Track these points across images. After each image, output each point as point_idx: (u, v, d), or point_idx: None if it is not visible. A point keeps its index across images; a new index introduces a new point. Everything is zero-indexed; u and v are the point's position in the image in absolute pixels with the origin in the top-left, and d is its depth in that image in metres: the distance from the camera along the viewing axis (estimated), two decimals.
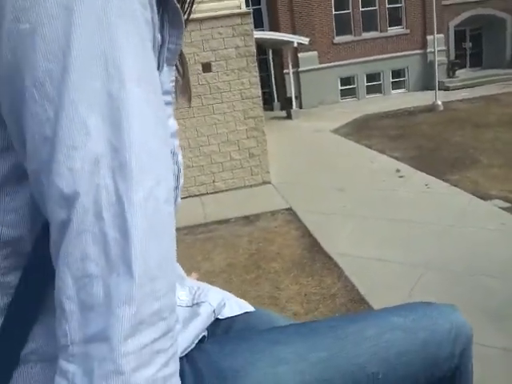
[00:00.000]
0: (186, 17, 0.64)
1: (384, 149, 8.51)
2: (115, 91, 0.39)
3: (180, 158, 0.60)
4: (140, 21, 0.42)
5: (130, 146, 0.39)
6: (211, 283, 0.88)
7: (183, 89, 0.74)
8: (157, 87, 0.44)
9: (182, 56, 0.68)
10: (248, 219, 5.43)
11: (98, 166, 0.38)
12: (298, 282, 3.78)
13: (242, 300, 0.93)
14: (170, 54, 0.54)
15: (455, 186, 5.98)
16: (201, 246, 4.72)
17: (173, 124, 0.58)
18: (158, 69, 0.51)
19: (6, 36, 0.40)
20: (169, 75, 0.56)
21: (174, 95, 0.60)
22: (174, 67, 0.58)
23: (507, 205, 5.13)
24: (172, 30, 0.53)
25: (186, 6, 0.64)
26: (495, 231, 4.48)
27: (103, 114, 0.39)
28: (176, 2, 0.52)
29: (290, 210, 5.62)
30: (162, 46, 0.52)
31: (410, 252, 4.17)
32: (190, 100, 0.76)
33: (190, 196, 6.33)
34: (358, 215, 5.26)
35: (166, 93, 0.54)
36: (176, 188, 0.57)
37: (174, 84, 0.59)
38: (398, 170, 6.94)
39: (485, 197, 5.47)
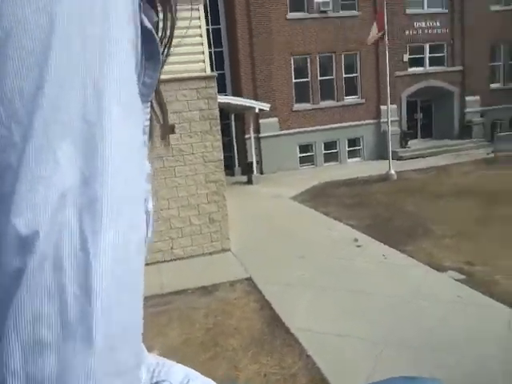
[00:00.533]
0: (165, 50, 0.57)
1: (341, 217, 8.67)
2: (93, 115, 0.34)
3: (150, 205, 0.53)
4: (126, 38, 0.38)
5: (103, 177, 0.33)
6: None
7: (161, 129, 0.67)
8: (139, 115, 0.39)
9: (158, 92, 0.62)
10: (206, 289, 5.28)
11: (64, 201, 0.32)
12: (257, 360, 3.65)
13: (209, 379, 0.81)
14: (146, 89, 0.48)
15: (411, 256, 6.09)
16: (155, 320, 4.51)
17: (147, 166, 0.51)
18: None
19: None
20: (144, 113, 0.49)
21: (148, 136, 0.54)
22: (149, 105, 0.52)
23: (462, 276, 5.24)
24: (147, 61, 0.47)
25: (163, 34, 0.57)
26: (451, 304, 4.54)
27: (76, 141, 0.33)
28: (152, 29, 0.47)
29: (249, 279, 5.52)
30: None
31: (370, 326, 4.14)
32: (167, 142, 0.69)
33: (146, 264, 6.09)
34: (317, 285, 5.23)
35: None
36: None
37: (148, 123, 0.53)
38: (355, 240, 7.03)
39: (440, 268, 5.59)
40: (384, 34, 12.71)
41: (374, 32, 12.98)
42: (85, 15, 0.35)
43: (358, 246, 6.73)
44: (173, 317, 4.55)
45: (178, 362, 0.79)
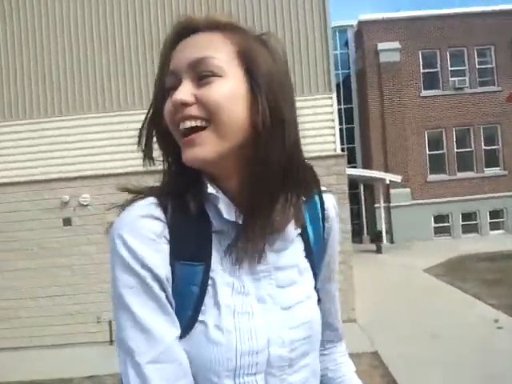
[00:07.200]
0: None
1: (481, 294, 7.99)
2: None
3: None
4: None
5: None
6: None
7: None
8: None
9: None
10: None
11: None
12: None
13: None
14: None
15: None
16: None
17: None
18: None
19: None
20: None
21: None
22: None
23: None
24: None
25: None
26: None
27: None
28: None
29: (375, 353, 5.35)
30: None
31: None
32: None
33: None
34: (450, 367, 4.87)
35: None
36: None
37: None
38: (496, 320, 6.42)
39: None
40: None
41: None
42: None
43: (499, 328, 6.14)
44: None
45: None
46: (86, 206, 6.65)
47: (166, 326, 0.70)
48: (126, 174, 5.99)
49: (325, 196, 0.89)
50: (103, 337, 6.46)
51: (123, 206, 0.75)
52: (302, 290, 0.83)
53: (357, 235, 16.81)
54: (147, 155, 0.80)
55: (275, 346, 0.76)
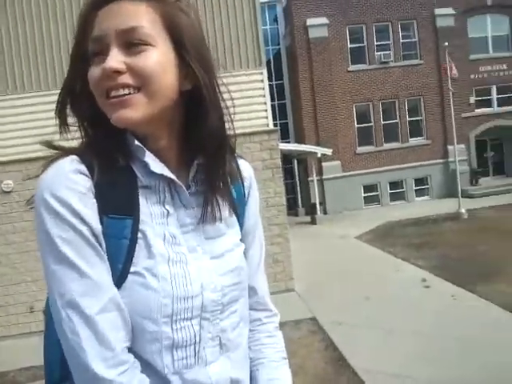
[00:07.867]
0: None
1: (409, 257, 8.51)
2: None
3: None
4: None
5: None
6: None
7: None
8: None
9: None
10: None
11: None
12: None
13: None
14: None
15: (482, 297, 5.86)
16: None
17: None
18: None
19: None
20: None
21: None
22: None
23: None
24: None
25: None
26: None
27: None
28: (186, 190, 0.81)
29: (314, 319, 5.56)
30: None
31: (439, 369, 4.02)
32: None
33: None
34: (383, 327, 5.17)
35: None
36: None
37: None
38: (423, 280, 6.88)
39: None
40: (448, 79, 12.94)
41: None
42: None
43: (426, 287, 6.58)
44: None
45: None
46: (10, 192, 6.27)
47: (107, 277, 0.72)
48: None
49: (239, 160, 0.94)
50: (37, 327, 6.22)
51: (45, 166, 0.75)
52: (231, 240, 0.87)
53: (292, 208, 17.22)
54: (62, 122, 0.80)
55: (208, 291, 0.79)
